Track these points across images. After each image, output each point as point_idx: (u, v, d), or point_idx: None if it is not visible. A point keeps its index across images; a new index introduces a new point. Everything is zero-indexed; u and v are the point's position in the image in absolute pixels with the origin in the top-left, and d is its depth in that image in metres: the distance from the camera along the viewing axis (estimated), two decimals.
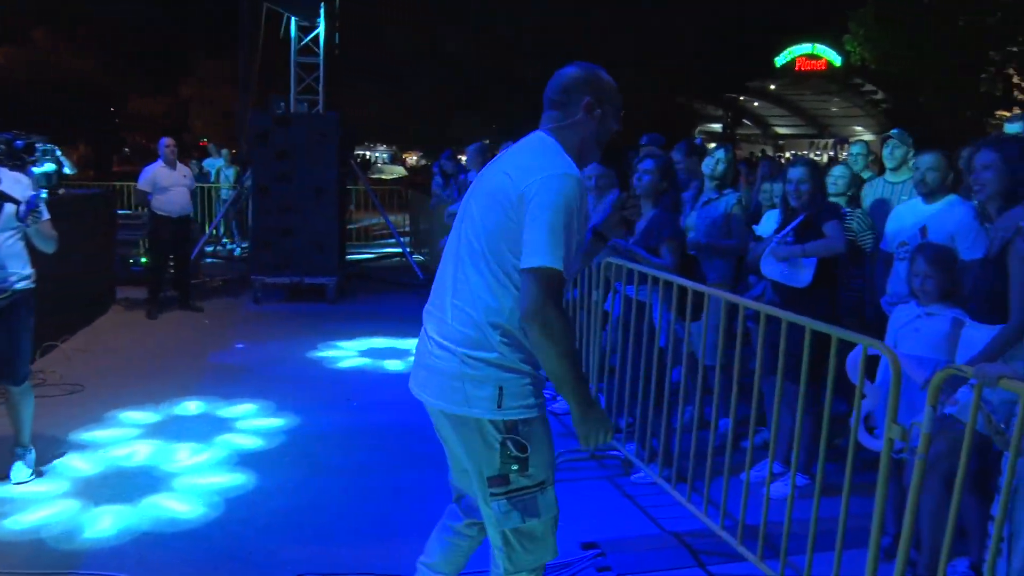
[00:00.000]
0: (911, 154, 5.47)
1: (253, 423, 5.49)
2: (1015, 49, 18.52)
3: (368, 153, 53.11)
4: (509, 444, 2.44)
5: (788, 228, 4.53)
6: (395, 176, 35.45)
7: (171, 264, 9.17)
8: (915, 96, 22.27)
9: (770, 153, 31.50)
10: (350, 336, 7.99)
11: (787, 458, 4.45)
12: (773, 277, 4.57)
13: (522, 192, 2.37)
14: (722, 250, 5.36)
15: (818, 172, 4.60)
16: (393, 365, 7.09)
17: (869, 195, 5.79)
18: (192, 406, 5.76)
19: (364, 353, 7.47)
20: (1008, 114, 17.98)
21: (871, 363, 3.48)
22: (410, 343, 7.68)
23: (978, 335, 3.27)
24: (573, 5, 27.82)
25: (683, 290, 4.19)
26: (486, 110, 30.06)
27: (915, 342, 3.63)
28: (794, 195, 4.53)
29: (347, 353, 7.45)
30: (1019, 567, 2.48)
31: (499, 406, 2.44)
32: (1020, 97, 19.04)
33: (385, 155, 53.31)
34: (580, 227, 2.44)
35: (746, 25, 29.92)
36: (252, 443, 5.11)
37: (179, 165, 9.17)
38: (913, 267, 3.73)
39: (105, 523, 4.00)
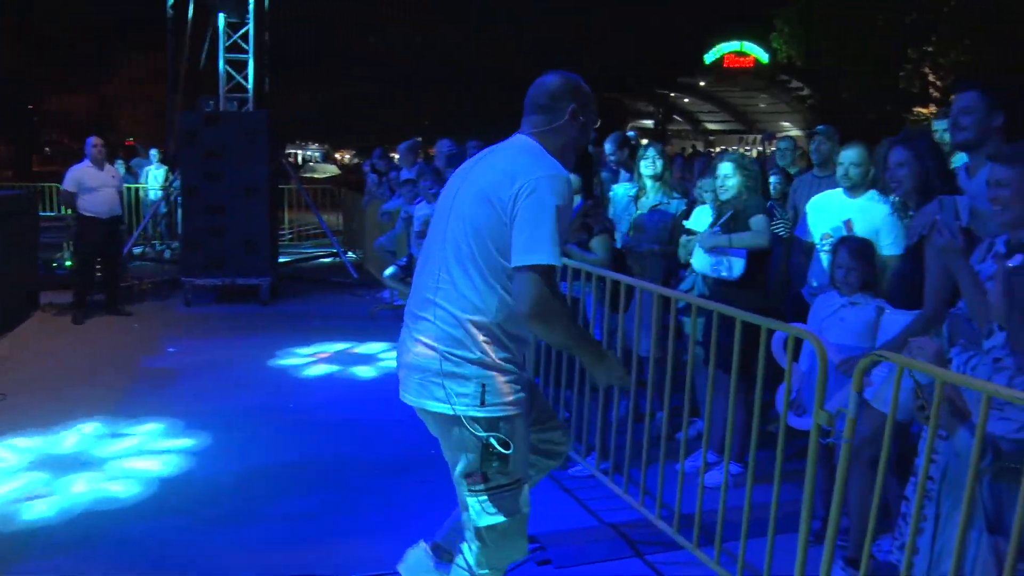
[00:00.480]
0: (837, 149, 5.63)
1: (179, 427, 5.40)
2: (929, 48, 19.21)
3: (300, 152, 52.41)
4: (492, 441, 2.49)
5: (717, 224, 4.63)
6: (328, 175, 35.06)
7: (99, 267, 8.93)
8: (839, 92, 22.90)
9: (700, 149, 32.05)
10: (305, 343, 7.71)
11: (721, 447, 4.55)
12: (704, 272, 4.67)
13: (516, 192, 2.43)
14: (667, 254, 5.45)
15: (745, 168, 4.71)
16: (365, 372, 6.88)
17: (798, 189, 5.95)
18: (92, 425, 5.61)
19: (326, 360, 7.21)
20: (926, 111, 18.65)
21: (795, 347, 3.59)
22: (365, 347, 7.62)
23: (897, 319, 3.43)
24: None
25: (616, 284, 4.24)
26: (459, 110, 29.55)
27: (840, 331, 3.75)
28: (721, 189, 4.64)
29: (304, 360, 7.19)
30: (950, 549, 2.57)
31: (482, 403, 2.50)
32: (935, 94, 19.74)
33: (318, 153, 52.67)
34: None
35: (676, 23, 30.38)
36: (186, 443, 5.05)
37: (107, 165, 8.93)
38: (836, 259, 3.86)
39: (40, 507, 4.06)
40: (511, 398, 2.53)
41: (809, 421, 3.03)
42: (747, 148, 34.29)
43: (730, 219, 4.58)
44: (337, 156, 52.38)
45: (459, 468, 2.58)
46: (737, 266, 4.53)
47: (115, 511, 4.17)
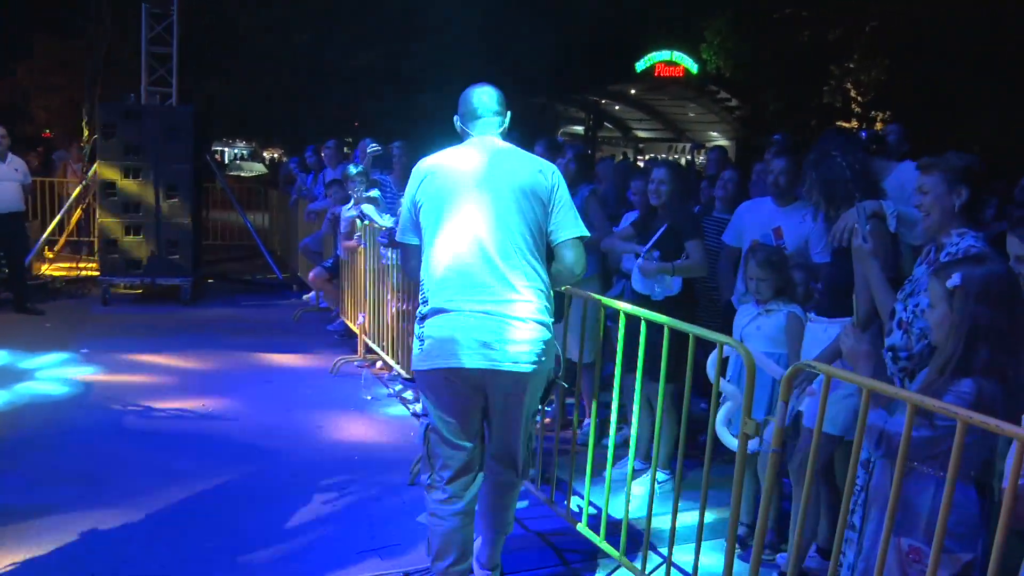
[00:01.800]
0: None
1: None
2: (851, 65, 19.76)
3: (227, 149, 51.24)
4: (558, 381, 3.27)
5: (651, 242, 4.60)
6: (255, 173, 34.35)
7: (3, 264, 8.53)
8: (766, 104, 23.40)
9: (630, 156, 32.41)
10: (226, 345, 7.54)
11: (648, 455, 4.54)
12: (643, 292, 4.64)
13: (552, 184, 3.07)
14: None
15: (679, 175, 4.70)
16: (285, 377, 6.75)
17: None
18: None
19: (246, 364, 7.12)
20: (848, 125, 19.20)
21: (729, 361, 3.61)
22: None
23: (820, 329, 3.47)
24: None
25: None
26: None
27: (757, 339, 3.81)
28: (655, 194, 4.63)
29: (223, 363, 7.06)
30: (868, 549, 2.60)
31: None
32: (856, 109, 20.37)
33: (245, 151, 51.60)
34: None
35: (608, 30, 30.54)
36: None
37: (11, 157, 8.48)
38: (747, 270, 3.91)
39: None
40: None
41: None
42: (676, 156, 34.82)
43: (664, 235, 4.56)
44: (265, 154, 51.36)
45: (532, 409, 3.19)
46: (675, 283, 4.55)
47: None
